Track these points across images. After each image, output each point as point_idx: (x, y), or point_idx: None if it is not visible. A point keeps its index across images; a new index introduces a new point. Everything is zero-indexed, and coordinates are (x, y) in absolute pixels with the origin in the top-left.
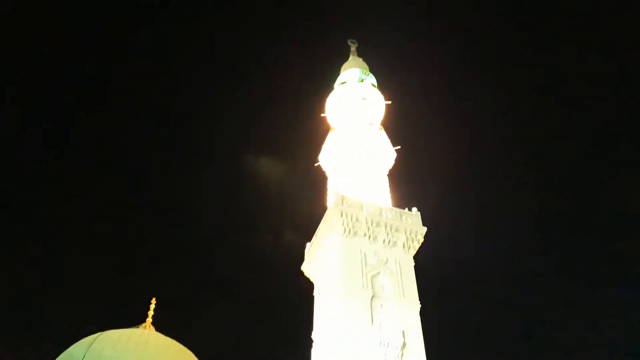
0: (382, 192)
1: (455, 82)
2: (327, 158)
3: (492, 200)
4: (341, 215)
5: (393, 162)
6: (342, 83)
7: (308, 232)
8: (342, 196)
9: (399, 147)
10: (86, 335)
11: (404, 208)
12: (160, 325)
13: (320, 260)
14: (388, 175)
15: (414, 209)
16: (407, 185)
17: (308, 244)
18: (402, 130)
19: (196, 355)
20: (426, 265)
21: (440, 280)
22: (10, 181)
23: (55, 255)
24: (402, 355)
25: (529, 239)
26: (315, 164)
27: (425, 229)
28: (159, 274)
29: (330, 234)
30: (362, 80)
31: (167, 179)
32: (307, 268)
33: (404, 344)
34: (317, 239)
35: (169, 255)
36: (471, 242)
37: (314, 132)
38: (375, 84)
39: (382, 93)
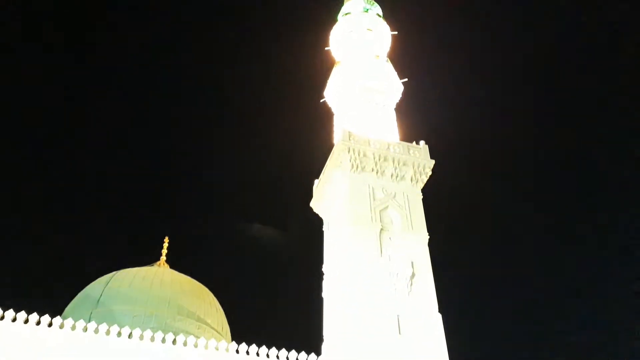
0: (389, 126)
1: (463, 11)
2: (333, 93)
3: (501, 130)
4: (348, 152)
5: (400, 95)
6: (346, 14)
7: (316, 169)
8: (349, 132)
9: (406, 79)
10: (102, 275)
11: (411, 141)
12: (174, 264)
13: (329, 196)
14: (395, 108)
15: (422, 142)
16: (415, 118)
17: (316, 181)
18: (409, 62)
19: (211, 291)
20: (435, 197)
21: (448, 211)
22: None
23: (69, 196)
24: (411, 285)
25: (538, 169)
26: (321, 100)
27: (433, 162)
28: (171, 213)
29: (337, 170)
30: (367, 10)
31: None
32: (315, 204)
33: (413, 274)
34: (325, 175)
35: (181, 195)
36: (479, 173)
37: (318, 67)
38: (381, 14)
39: (388, 24)
